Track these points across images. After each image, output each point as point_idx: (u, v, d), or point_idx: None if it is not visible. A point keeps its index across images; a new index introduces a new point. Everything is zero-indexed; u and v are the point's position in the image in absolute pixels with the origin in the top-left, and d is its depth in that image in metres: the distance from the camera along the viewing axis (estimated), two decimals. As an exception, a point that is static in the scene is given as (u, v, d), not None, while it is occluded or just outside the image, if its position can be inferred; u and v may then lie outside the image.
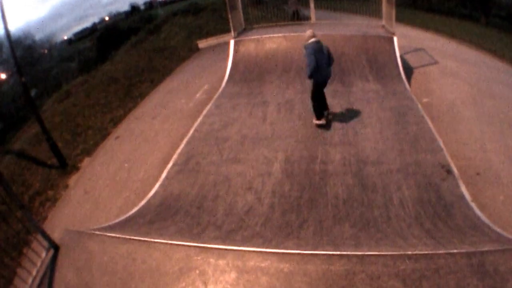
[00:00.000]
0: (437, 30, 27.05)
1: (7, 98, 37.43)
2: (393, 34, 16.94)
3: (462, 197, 8.96)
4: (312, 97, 12.52)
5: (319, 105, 12.66)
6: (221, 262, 6.56)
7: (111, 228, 8.64)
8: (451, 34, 25.57)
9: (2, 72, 42.64)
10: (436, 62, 18.65)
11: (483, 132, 12.39)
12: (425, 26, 28.37)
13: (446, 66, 18.15)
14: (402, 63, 16.41)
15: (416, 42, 22.16)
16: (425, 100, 14.53)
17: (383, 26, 18.83)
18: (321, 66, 11.76)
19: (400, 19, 20.20)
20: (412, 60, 18.84)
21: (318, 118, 12.62)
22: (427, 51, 20.25)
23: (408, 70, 17.18)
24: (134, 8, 78.24)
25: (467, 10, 36.70)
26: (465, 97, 14.80)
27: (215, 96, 16.11)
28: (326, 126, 12.55)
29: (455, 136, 12.20)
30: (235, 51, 18.22)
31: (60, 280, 6.96)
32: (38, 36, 52.28)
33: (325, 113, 12.90)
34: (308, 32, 12.08)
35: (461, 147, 11.60)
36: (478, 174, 10.45)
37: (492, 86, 15.76)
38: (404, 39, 20.40)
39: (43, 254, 7.35)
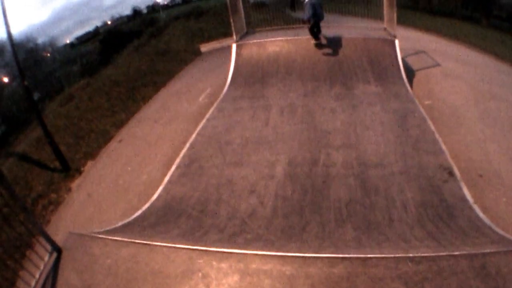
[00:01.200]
0: (439, 32, 27.03)
1: (10, 101, 37.47)
2: (395, 36, 17.00)
3: (464, 199, 8.96)
4: (310, 29, 17.48)
5: (315, 33, 17.66)
6: (224, 264, 6.58)
7: (114, 231, 8.65)
8: (453, 36, 25.55)
9: (5, 75, 42.72)
10: (437, 64, 18.66)
11: (485, 134, 12.39)
12: (426, 28, 28.35)
13: (448, 68, 18.16)
14: (403, 65, 16.45)
15: (418, 44, 22.16)
16: (427, 102, 14.54)
17: (384, 29, 18.89)
18: (316, 14, 16.91)
19: (401, 22, 20.23)
20: (413, 62, 18.85)
21: (316, 39, 17.88)
22: (428, 53, 20.26)
23: (410, 73, 17.20)
24: (136, 12, 78.35)
25: (468, 12, 36.63)
26: (467, 98, 14.80)
27: (218, 100, 16.13)
28: (330, 128, 12.46)
29: (457, 138, 12.20)
30: (237, 53, 18.26)
31: (63, 283, 6.97)
32: (40, 40, 52.39)
33: (319, 35, 17.95)
34: None
35: (463, 149, 11.60)
36: (480, 176, 10.45)
37: (494, 87, 15.75)
38: (406, 42, 20.39)
39: (46, 257, 7.37)
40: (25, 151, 18.92)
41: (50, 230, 10.84)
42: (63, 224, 11.48)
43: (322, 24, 17.67)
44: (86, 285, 6.80)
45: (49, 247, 7.42)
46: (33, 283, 7.04)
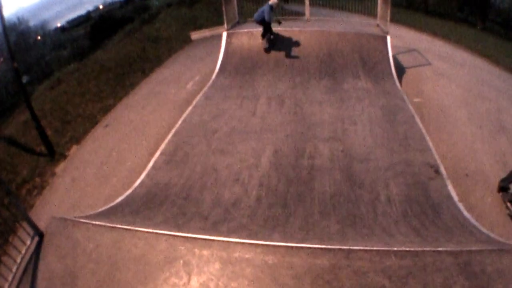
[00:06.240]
0: (433, 32, 27.05)
1: (-1, 83, 37.13)
2: (387, 33, 16.96)
3: (449, 197, 8.99)
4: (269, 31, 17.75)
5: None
6: (206, 252, 6.52)
7: (96, 216, 8.56)
8: (446, 37, 25.58)
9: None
10: (429, 64, 18.70)
11: (473, 134, 12.45)
12: (420, 27, 28.35)
13: (439, 68, 18.21)
14: (395, 62, 16.45)
15: (411, 43, 22.20)
16: (416, 100, 14.56)
17: (377, 25, 18.85)
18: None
19: (395, 20, 20.28)
20: (405, 60, 18.87)
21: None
22: (421, 52, 20.30)
23: (401, 70, 17.22)
24: (129, -2, 77.70)
25: (464, 14, 36.71)
26: (456, 99, 14.85)
27: (206, 88, 16.10)
28: (317, 120, 12.53)
29: (445, 136, 12.26)
30: (228, 42, 18.18)
31: (44, 268, 6.89)
32: (32, 23, 51.90)
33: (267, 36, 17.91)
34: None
35: (450, 148, 11.65)
36: (467, 175, 10.51)
37: (484, 89, 15.81)
38: (399, 40, 20.44)
39: (28, 242, 7.29)
40: (12, 135, 18.69)
41: (34, 214, 10.75)
42: (47, 209, 11.38)
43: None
44: (67, 270, 6.73)
45: (31, 231, 7.33)
46: (14, 268, 6.97)
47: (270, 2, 17.31)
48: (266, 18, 17.10)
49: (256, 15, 17.59)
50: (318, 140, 11.37)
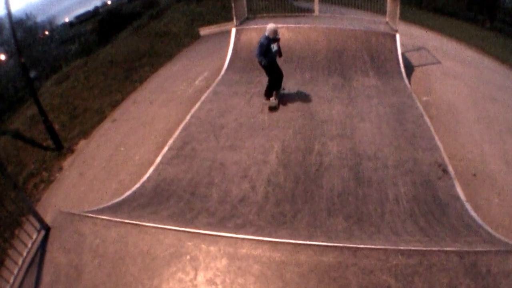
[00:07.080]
0: (441, 30, 26.93)
1: (7, 78, 37.14)
2: (396, 31, 16.89)
3: (457, 197, 8.95)
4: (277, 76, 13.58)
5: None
6: (213, 248, 6.51)
7: (103, 210, 8.56)
8: (455, 36, 25.47)
9: (3, 53, 42.42)
10: (438, 62, 18.60)
11: (482, 134, 12.38)
12: (429, 26, 28.24)
13: (448, 67, 18.11)
14: (403, 60, 16.37)
15: (419, 41, 22.10)
16: (425, 98, 14.50)
17: (386, 23, 18.77)
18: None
19: (404, 18, 20.16)
20: (414, 58, 18.79)
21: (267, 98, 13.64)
22: (429, 50, 20.21)
23: (410, 68, 17.13)
24: (137, -7, 77.49)
25: (472, 13, 36.58)
26: (465, 98, 14.77)
27: (214, 83, 16.08)
28: (326, 117, 12.50)
29: (453, 136, 12.18)
30: (236, 38, 18.16)
31: (50, 262, 6.89)
32: (40, 18, 51.90)
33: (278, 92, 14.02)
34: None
35: (458, 148, 11.59)
36: (474, 175, 10.45)
37: (493, 89, 15.73)
38: (408, 38, 20.37)
39: (34, 235, 7.29)
40: (19, 129, 18.75)
41: (41, 208, 10.81)
42: (54, 203, 11.42)
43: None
44: (73, 264, 6.73)
45: (38, 225, 7.34)
46: (20, 261, 6.97)
47: (266, 33, 12.80)
48: (258, 58, 12.97)
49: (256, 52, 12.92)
50: (326, 138, 11.35)
